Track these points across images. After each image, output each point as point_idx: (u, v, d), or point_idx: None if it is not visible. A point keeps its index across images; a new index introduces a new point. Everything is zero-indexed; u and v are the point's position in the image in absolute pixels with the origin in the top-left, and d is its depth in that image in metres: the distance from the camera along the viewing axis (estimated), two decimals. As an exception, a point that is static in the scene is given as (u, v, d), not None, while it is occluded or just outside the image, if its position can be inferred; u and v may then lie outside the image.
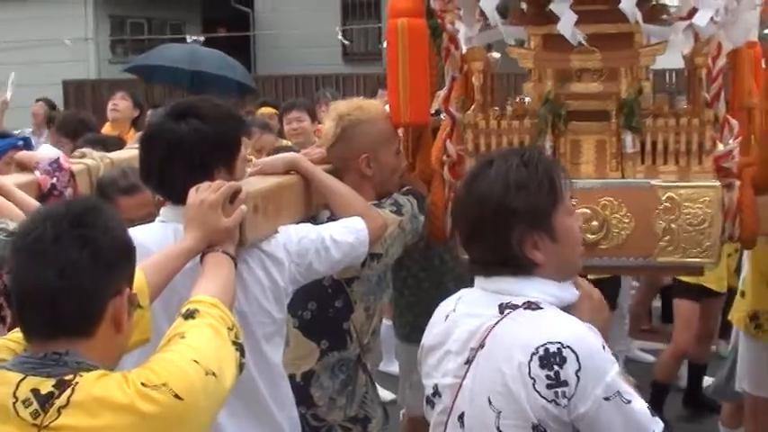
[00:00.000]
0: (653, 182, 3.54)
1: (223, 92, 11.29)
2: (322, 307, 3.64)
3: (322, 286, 3.55)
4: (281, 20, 23.88)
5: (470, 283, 4.64)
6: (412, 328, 4.68)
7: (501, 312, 2.50)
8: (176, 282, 2.76)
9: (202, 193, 2.85)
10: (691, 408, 6.69)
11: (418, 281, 4.62)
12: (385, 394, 6.07)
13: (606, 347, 2.43)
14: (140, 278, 2.60)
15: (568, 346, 2.36)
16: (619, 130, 3.61)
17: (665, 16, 4.09)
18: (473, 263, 2.66)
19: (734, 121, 3.70)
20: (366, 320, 3.72)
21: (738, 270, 5.66)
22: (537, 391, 2.37)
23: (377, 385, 5.58)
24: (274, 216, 3.16)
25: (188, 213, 2.85)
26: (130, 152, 4.39)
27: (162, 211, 3.12)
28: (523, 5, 3.83)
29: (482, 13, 3.65)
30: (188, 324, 2.40)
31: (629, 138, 3.58)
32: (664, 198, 3.51)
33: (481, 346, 2.50)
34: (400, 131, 3.83)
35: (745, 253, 4.97)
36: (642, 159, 3.61)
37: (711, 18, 3.48)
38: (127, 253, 2.26)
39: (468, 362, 2.52)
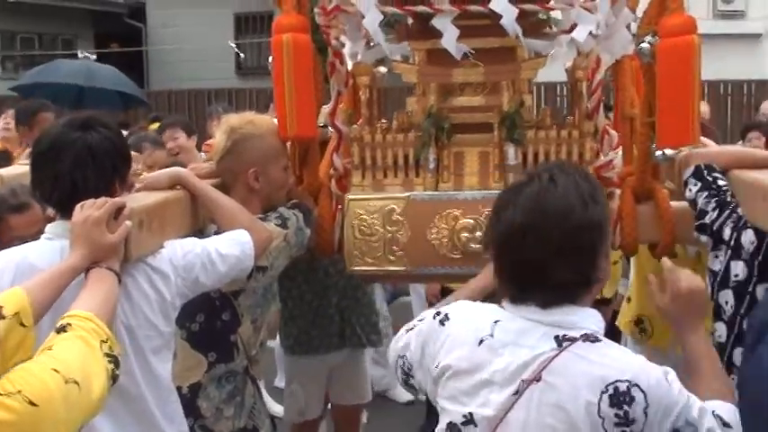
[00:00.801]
0: (535, 192, 3.61)
1: (114, 108, 11.20)
2: (209, 319, 3.64)
3: (210, 299, 3.55)
4: (174, 35, 23.65)
5: (353, 296, 4.70)
6: (295, 340, 4.76)
7: (559, 345, 2.44)
8: (64, 299, 2.72)
9: (87, 210, 2.84)
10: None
11: (301, 293, 4.66)
12: (279, 409, 6.08)
13: (669, 376, 2.43)
14: (23, 298, 2.58)
15: (636, 384, 2.36)
16: (501, 143, 3.67)
17: (550, 29, 4.18)
18: (522, 288, 2.53)
19: (613, 132, 3.80)
20: (253, 333, 3.73)
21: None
22: (605, 430, 2.35)
23: (271, 400, 5.59)
24: (159, 231, 3.15)
25: (73, 231, 2.84)
26: (22, 168, 4.34)
27: (48, 227, 3.09)
28: (409, 20, 3.88)
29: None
30: (58, 337, 2.42)
31: (511, 150, 3.64)
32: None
33: (537, 379, 2.43)
34: (288, 145, 3.85)
35: (632, 260, 5.09)
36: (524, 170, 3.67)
37: (590, 32, 3.57)
38: None
39: (518, 393, 2.44)
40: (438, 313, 2.72)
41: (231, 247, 3.27)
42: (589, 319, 2.50)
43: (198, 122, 12.66)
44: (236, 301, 3.63)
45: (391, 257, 3.67)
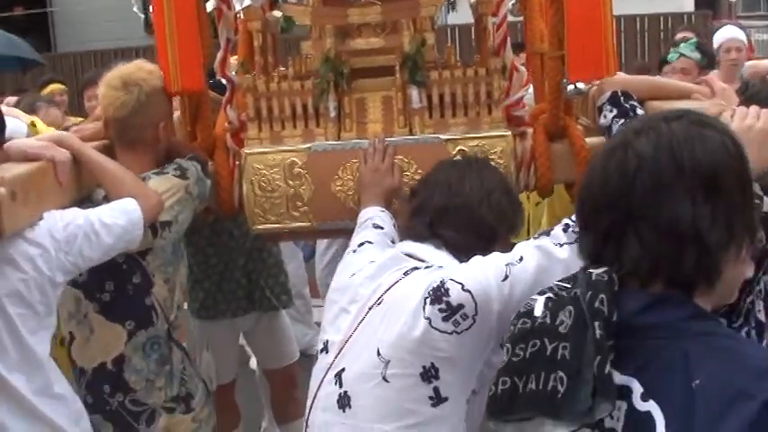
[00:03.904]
0: (442, 136, 3.42)
1: (13, 71, 10.83)
2: (120, 286, 3.39)
3: (116, 263, 3.30)
4: (79, -6, 23.07)
5: (259, 257, 4.59)
6: (201, 304, 4.61)
7: (404, 275, 2.63)
8: None
9: None
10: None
11: (206, 257, 4.48)
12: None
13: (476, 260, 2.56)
14: None
15: (451, 279, 2.47)
16: (404, 85, 3.46)
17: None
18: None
19: (522, 69, 3.62)
20: (168, 294, 3.50)
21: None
22: (435, 329, 2.43)
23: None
24: (36, 202, 2.90)
25: None
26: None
27: None
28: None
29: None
30: None
31: (414, 92, 3.43)
32: (455, 152, 3.39)
33: (378, 303, 2.60)
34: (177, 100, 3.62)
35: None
36: (430, 114, 3.48)
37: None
38: None
39: (363, 319, 2.63)
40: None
41: (116, 216, 3.06)
42: (443, 259, 2.70)
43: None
44: (145, 260, 3.39)
45: (295, 213, 3.47)
